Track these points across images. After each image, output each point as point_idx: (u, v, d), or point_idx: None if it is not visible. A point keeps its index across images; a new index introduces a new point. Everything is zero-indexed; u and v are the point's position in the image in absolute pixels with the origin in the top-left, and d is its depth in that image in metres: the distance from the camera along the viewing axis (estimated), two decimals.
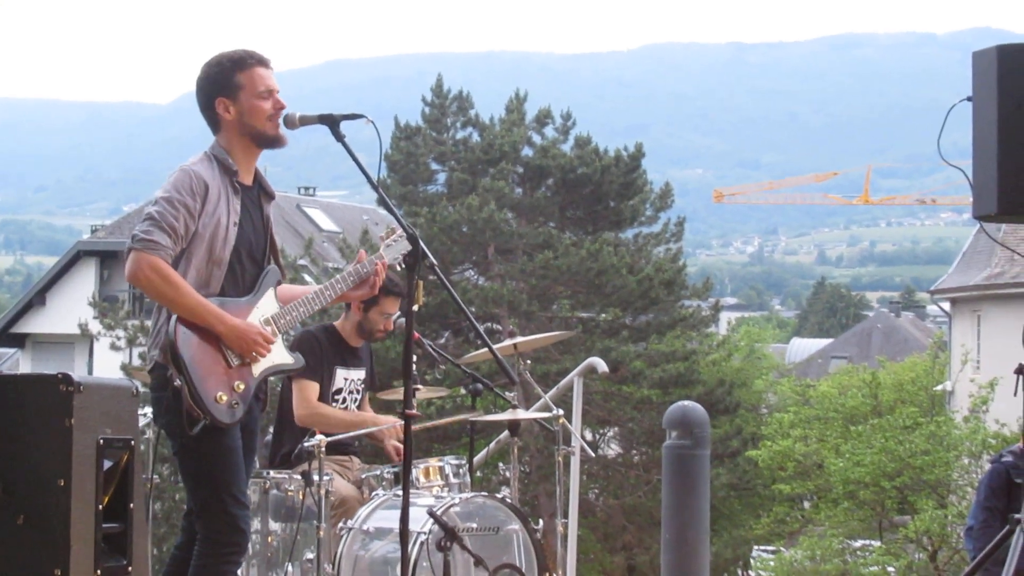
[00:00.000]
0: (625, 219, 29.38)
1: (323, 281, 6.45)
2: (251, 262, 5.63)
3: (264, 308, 5.60)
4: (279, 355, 5.61)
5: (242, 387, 5.42)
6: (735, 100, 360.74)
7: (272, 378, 5.72)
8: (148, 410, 9.74)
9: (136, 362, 29.05)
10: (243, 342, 5.42)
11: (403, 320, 6.86)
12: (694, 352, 30.01)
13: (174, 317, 5.32)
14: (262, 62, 5.63)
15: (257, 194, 5.72)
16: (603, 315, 28.36)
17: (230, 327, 5.39)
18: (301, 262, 28.74)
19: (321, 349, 7.78)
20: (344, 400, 7.93)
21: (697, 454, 8.66)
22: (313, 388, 7.74)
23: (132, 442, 5.44)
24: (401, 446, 7.49)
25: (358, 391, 8.03)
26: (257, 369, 5.50)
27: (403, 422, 5.58)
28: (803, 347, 78.59)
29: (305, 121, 5.64)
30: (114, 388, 5.50)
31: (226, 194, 5.52)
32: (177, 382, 5.29)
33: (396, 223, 5.90)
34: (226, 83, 5.56)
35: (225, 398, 5.35)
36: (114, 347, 30.06)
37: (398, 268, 5.94)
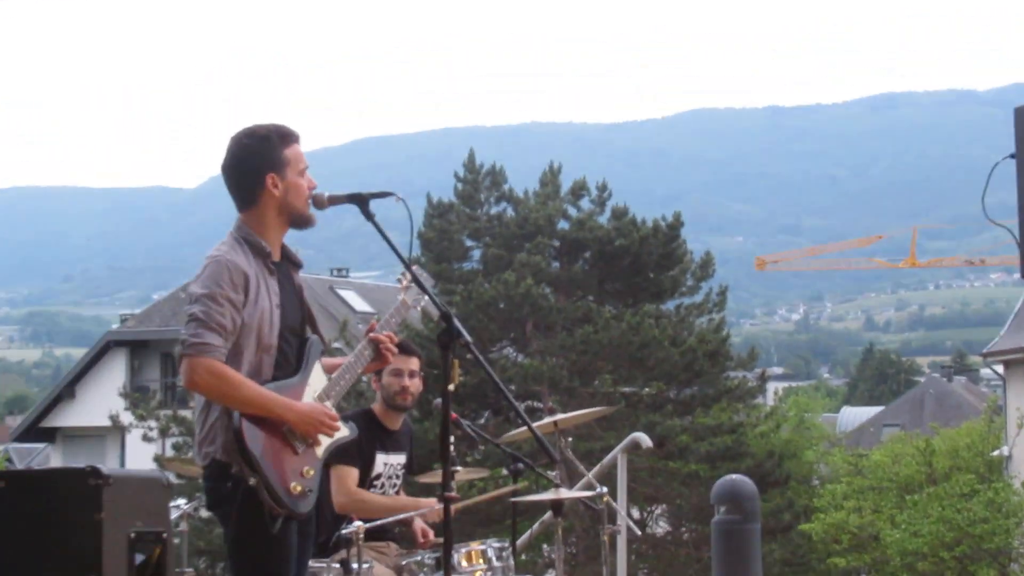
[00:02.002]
0: (666, 290, 29.53)
1: None
2: (294, 337, 5.58)
3: (315, 384, 5.54)
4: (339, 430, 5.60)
5: (311, 472, 5.37)
6: (774, 165, 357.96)
7: None
8: (181, 501, 9.80)
9: (169, 453, 29.04)
10: (311, 425, 5.38)
11: (439, 400, 6.49)
12: (741, 424, 29.82)
13: (236, 413, 5.25)
14: (297, 138, 5.60)
15: (287, 268, 5.67)
16: (646, 389, 28.38)
17: (298, 413, 5.34)
18: (336, 345, 28.56)
19: (359, 435, 7.70)
20: (383, 486, 7.90)
21: (748, 529, 8.61)
22: (352, 474, 7.72)
23: (164, 535, 5.50)
24: (428, 528, 7.75)
25: (398, 476, 7.99)
26: (320, 450, 5.46)
27: (443, 505, 5.52)
28: (854, 416, 78.06)
29: (334, 201, 5.59)
30: (144, 480, 5.61)
31: (264, 279, 5.46)
32: (252, 480, 5.22)
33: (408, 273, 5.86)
34: (275, 157, 5.47)
35: (299, 488, 5.31)
36: (146, 438, 30.16)
37: (418, 309, 5.92)
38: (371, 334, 5.74)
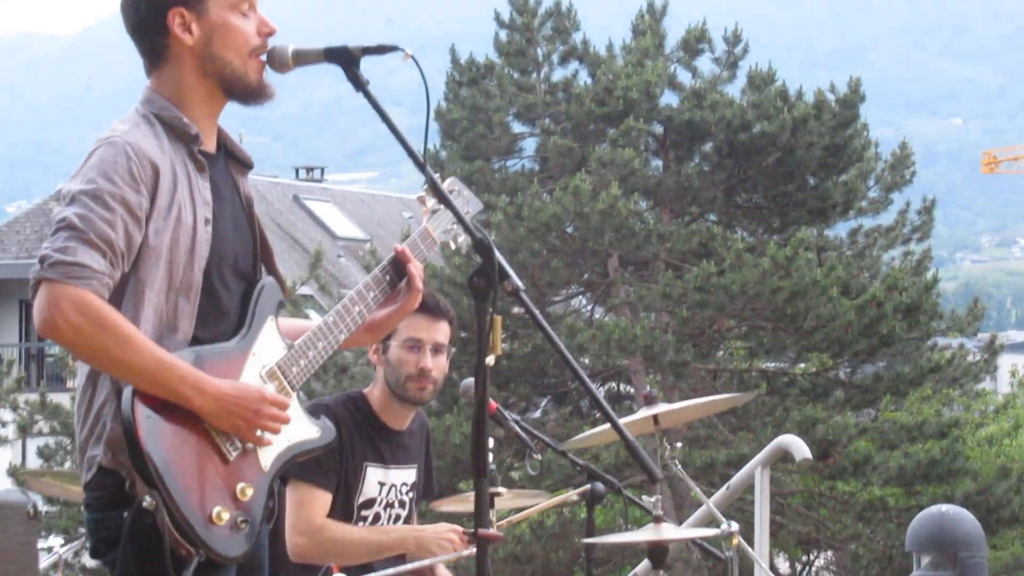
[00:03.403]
0: (834, 206, 22.97)
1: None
2: (236, 278, 4.40)
3: (264, 352, 4.34)
4: (299, 427, 4.36)
5: (250, 492, 4.21)
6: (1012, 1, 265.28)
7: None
8: (55, 541, 7.95)
9: (34, 463, 24.46)
10: (239, 417, 4.17)
11: (470, 381, 5.64)
12: (956, 423, 23.12)
13: (128, 389, 4.09)
14: None
15: (226, 165, 4.47)
16: (801, 365, 23.00)
17: (216, 395, 4.14)
18: (303, 290, 24.07)
19: (341, 436, 5.90)
20: (378, 517, 6.32)
21: None
22: (320, 500, 6.15)
23: None
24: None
25: (404, 502, 6.42)
26: (268, 457, 4.28)
27: (474, 549, 4.52)
28: None
29: (303, 58, 4.36)
30: None
31: (186, 176, 4.27)
32: (147, 499, 4.06)
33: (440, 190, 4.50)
34: None
35: (226, 515, 4.14)
36: None
37: (453, 247, 4.79)
38: (399, 249, 4.62)
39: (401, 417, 6.38)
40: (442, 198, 4.51)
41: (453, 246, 4.84)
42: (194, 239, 4.28)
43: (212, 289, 4.35)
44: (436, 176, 4.49)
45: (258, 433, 4.24)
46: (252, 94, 4.39)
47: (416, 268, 4.68)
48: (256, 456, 4.29)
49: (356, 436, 6.27)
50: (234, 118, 4.53)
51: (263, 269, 4.57)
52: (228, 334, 4.37)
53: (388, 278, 4.62)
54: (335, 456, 6.11)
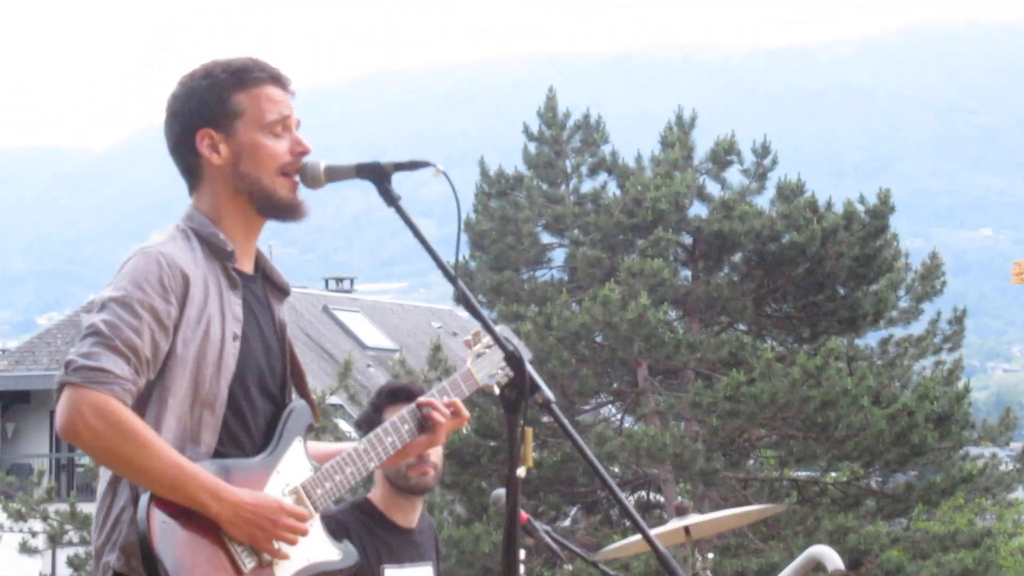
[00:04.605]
0: (864, 315, 22.50)
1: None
2: (263, 397, 4.38)
3: (289, 471, 4.32)
4: (319, 546, 4.31)
5: None
6: None
7: None
8: None
9: (63, 573, 24.09)
10: (256, 527, 4.13)
11: (501, 492, 5.60)
12: (989, 533, 22.66)
13: (145, 496, 4.07)
14: (276, 79, 4.42)
15: (263, 289, 4.51)
16: (832, 475, 22.59)
17: (233, 503, 4.11)
18: (332, 399, 23.62)
19: (354, 543, 5.72)
20: None
21: None
22: None
23: None
24: None
25: None
26: (286, 573, 4.22)
27: None
28: None
29: (335, 175, 4.37)
30: None
31: (218, 291, 4.31)
32: None
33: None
34: (217, 105, 4.34)
35: None
36: (26, 548, 23.60)
37: (496, 392, 4.60)
38: (419, 400, 4.64)
39: (409, 513, 6.32)
40: (471, 308, 4.44)
41: (496, 391, 4.70)
42: (221, 353, 4.28)
43: (237, 405, 4.33)
44: (463, 286, 4.38)
45: (275, 544, 4.21)
46: (284, 211, 4.41)
47: (432, 402, 4.64)
48: (271, 571, 4.25)
49: (368, 540, 6.17)
50: (264, 231, 4.54)
51: (293, 392, 4.54)
52: (251, 452, 4.35)
53: (423, 411, 4.61)
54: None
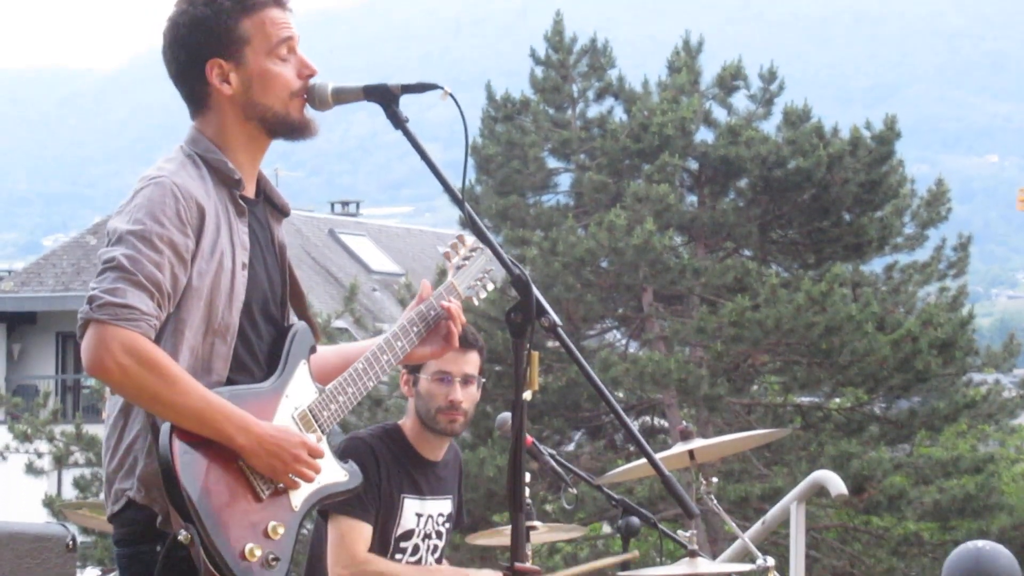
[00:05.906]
0: (869, 242, 22.56)
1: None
2: (266, 322, 4.41)
3: (297, 395, 4.34)
4: (328, 470, 4.36)
5: (281, 531, 4.21)
6: None
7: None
8: (92, 571, 7.90)
9: (69, 494, 24.43)
10: (278, 459, 4.20)
11: (506, 416, 5.77)
12: (992, 459, 22.62)
13: (166, 426, 4.10)
14: (278, 1, 4.37)
15: (264, 212, 4.51)
16: (836, 400, 22.74)
17: (260, 436, 4.17)
18: (338, 323, 24.05)
19: (379, 468, 6.13)
20: (416, 549, 6.23)
21: None
22: (363, 533, 6.03)
23: None
24: None
25: (440, 533, 6.34)
26: (299, 498, 4.29)
27: None
28: None
29: (343, 96, 4.39)
30: (35, 539, 4.97)
31: (227, 220, 4.29)
32: (183, 533, 4.06)
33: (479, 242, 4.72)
34: (224, 34, 4.30)
35: (258, 552, 4.15)
36: (33, 469, 23.70)
37: (476, 303, 4.83)
38: (434, 299, 4.67)
39: (436, 448, 6.32)
40: (479, 232, 4.49)
41: (476, 303, 4.84)
42: (233, 283, 4.30)
43: (245, 332, 4.36)
44: (470, 209, 4.42)
45: (292, 477, 4.27)
46: (296, 131, 4.42)
47: (448, 306, 4.67)
48: (287, 497, 4.30)
49: (392, 468, 6.22)
50: (270, 154, 4.55)
51: (293, 314, 4.57)
52: (260, 377, 4.38)
53: (416, 329, 4.62)
54: (373, 488, 6.08)
